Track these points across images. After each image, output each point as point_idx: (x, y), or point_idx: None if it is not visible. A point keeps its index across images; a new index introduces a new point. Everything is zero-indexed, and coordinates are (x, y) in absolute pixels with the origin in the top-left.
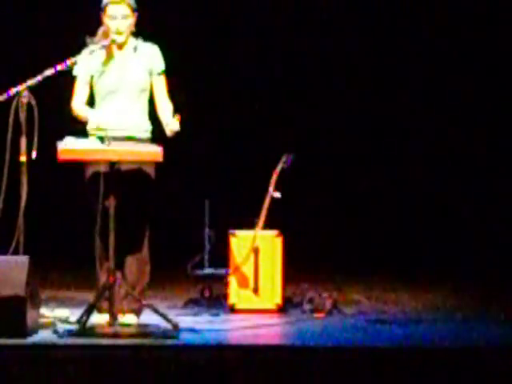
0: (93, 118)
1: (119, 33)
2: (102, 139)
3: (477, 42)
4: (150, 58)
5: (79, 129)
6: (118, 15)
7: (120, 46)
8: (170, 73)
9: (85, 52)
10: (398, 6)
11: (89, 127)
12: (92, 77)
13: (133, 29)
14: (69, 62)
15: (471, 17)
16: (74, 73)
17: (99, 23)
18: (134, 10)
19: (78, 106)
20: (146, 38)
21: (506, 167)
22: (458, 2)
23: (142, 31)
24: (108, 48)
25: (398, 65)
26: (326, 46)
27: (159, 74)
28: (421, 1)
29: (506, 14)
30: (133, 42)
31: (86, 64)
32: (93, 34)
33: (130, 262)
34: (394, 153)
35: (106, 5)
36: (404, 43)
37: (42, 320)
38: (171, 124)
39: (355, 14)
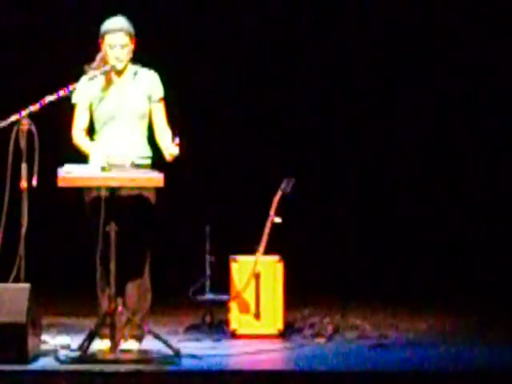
0: (94, 158)
1: (118, 60)
2: (102, 168)
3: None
4: (149, 84)
5: (79, 155)
6: (117, 44)
7: (119, 73)
8: (168, 98)
9: (84, 78)
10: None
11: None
12: (91, 104)
13: (131, 55)
14: (70, 88)
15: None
16: (74, 100)
17: (98, 49)
18: (132, 38)
19: (79, 136)
20: (145, 64)
21: (502, 192)
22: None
23: (140, 57)
24: (107, 74)
25: (399, 93)
26: (325, 71)
27: (158, 100)
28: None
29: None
30: (132, 68)
31: (85, 91)
32: (91, 59)
33: (131, 288)
34: (395, 177)
35: (105, 33)
36: (402, 71)
37: (44, 347)
38: (170, 148)
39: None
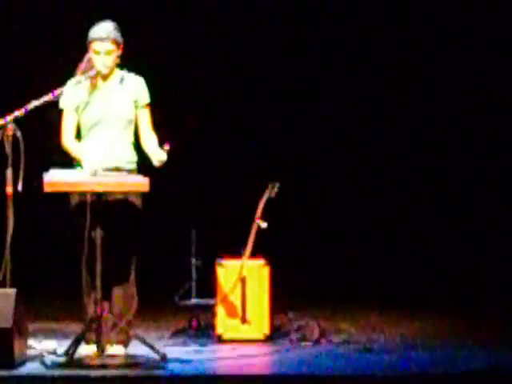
0: (86, 165)
1: (104, 66)
2: (94, 173)
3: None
4: (135, 90)
5: (65, 160)
6: (103, 51)
7: (105, 78)
8: (154, 103)
9: (70, 83)
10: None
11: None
12: (78, 108)
13: (118, 61)
14: (55, 93)
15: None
16: (61, 106)
17: (85, 50)
18: (119, 45)
19: (69, 141)
20: (131, 69)
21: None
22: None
23: (126, 62)
24: (93, 79)
25: (387, 95)
26: (313, 72)
27: (144, 106)
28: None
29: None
30: (118, 73)
31: (71, 96)
32: (79, 61)
33: (117, 292)
34: (382, 179)
35: (92, 41)
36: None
37: (30, 352)
38: (159, 154)
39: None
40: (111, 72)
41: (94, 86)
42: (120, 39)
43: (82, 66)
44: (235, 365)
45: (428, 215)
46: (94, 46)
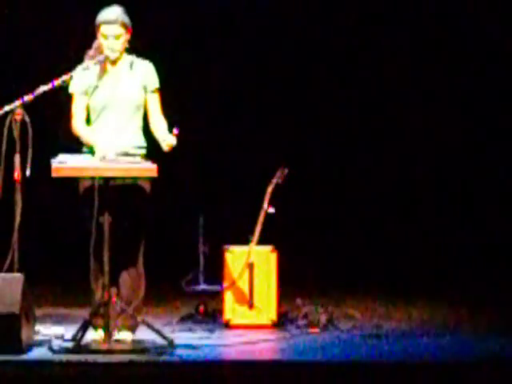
0: (98, 150)
1: (113, 51)
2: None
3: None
4: (144, 75)
5: (72, 146)
6: (112, 34)
7: (114, 62)
8: (163, 89)
9: (79, 68)
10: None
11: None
12: (87, 93)
13: (127, 45)
14: (63, 78)
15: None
16: (70, 90)
17: (94, 36)
18: (128, 28)
19: (79, 127)
20: (141, 54)
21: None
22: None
23: (136, 47)
24: (102, 63)
25: (397, 85)
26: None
27: (153, 91)
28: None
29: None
30: (127, 58)
31: (81, 80)
32: (89, 47)
33: (125, 278)
34: (390, 166)
35: (100, 24)
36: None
37: (37, 337)
38: (168, 139)
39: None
40: (120, 56)
41: (103, 71)
42: (129, 22)
43: (91, 52)
44: (242, 351)
45: (438, 202)
46: (103, 29)
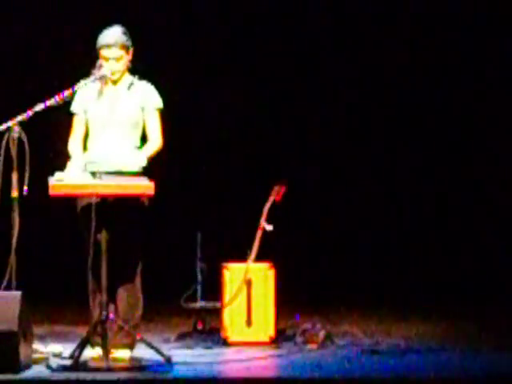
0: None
1: (113, 73)
2: (93, 174)
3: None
4: (143, 95)
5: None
6: (112, 57)
7: (114, 82)
8: (163, 110)
9: (79, 86)
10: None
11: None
12: (86, 110)
13: (129, 65)
14: (57, 98)
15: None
16: (72, 110)
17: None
18: (128, 49)
19: (72, 146)
20: (143, 75)
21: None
22: None
23: (137, 68)
24: (103, 81)
25: (394, 100)
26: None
27: (153, 110)
28: None
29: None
30: (128, 78)
31: (81, 99)
32: (92, 66)
33: (123, 295)
34: (386, 184)
35: (100, 47)
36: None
37: (35, 355)
38: (138, 156)
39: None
40: (121, 76)
41: (103, 89)
42: (129, 44)
43: (95, 72)
44: (240, 368)
45: (435, 217)
46: (103, 52)
